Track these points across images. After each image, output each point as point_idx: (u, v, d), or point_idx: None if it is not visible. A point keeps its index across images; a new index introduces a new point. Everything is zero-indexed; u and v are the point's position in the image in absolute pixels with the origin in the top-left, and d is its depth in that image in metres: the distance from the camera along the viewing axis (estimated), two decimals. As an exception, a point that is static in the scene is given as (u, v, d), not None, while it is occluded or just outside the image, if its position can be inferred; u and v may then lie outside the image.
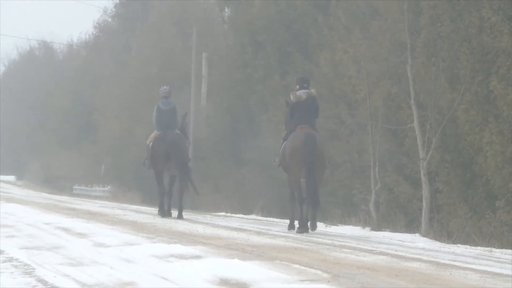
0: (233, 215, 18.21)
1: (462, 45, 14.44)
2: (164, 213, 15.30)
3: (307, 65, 20.22)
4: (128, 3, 43.03)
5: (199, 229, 11.71)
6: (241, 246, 8.86)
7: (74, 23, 66.79)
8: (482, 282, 6.57)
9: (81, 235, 10.39)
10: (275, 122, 19.95)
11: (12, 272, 6.78)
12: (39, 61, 63.45)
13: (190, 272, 6.61)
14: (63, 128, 45.05)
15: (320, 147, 11.54)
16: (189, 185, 15.18)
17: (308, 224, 11.60)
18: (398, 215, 15.22)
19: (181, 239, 9.74)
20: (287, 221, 12.82)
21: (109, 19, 46.04)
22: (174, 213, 15.15)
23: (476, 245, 11.96)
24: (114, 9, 44.84)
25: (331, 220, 15.83)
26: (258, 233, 11.26)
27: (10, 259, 7.67)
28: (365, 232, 13.91)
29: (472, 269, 7.40)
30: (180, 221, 13.88)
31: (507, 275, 7.04)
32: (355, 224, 15.04)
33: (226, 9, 28.90)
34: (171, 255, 7.74)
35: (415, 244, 10.82)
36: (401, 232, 13.96)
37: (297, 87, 12.10)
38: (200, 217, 16.10)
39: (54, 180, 42.86)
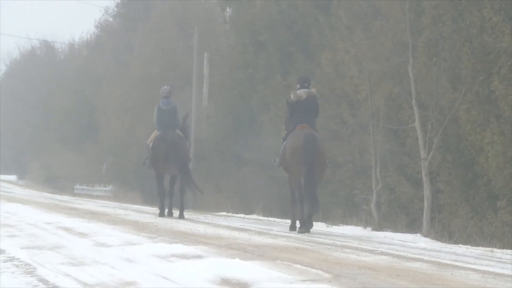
0: (234, 215, 18.21)
1: (464, 45, 14.44)
2: (164, 217, 15.27)
3: (308, 65, 20.22)
4: (129, 3, 43.05)
5: (201, 229, 11.71)
6: (242, 246, 8.86)
7: (75, 22, 66.92)
8: (483, 282, 6.57)
9: (83, 234, 10.40)
10: (276, 122, 19.94)
11: (13, 272, 6.79)
12: (41, 60, 63.48)
13: (191, 272, 6.62)
14: (65, 128, 45.05)
15: (320, 147, 11.53)
16: (192, 186, 15.17)
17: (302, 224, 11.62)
18: (400, 215, 15.21)
19: (182, 239, 9.74)
20: (289, 221, 12.81)
21: (111, 19, 46.11)
22: (176, 213, 15.15)
23: (478, 245, 11.95)
24: (115, 9, 44.92)
25: (332, 220, 15.83)
26: (260, 233, 11.26)
27: (12, 259, 7.68)
28: (367, 232, 13.91)
29: (473, 269, 7.40)
30: (181, 221, 13.88)
31: (508, 275, 7.04)
32: (356, 224, 15.03)
33: (228, 9, 28.94)
34: (173, 255, 7.74)
35: (417, 244, 10.82)
36: (402, 232, 13.96)
37: (298, 86, 12.10)
38: (201, 217, 16.10)
39: (56, 180, 42.86)
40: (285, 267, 6.97)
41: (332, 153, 16.42)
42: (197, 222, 13.65)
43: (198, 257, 7.64)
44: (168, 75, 31.11)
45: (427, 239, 12.90)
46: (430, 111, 14.91)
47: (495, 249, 10.78)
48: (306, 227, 11.52)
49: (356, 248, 9.19)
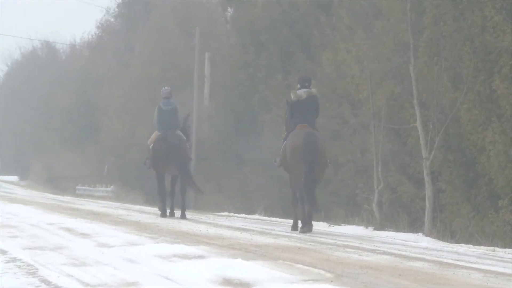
0: (236, 215, 18.22)
1: (465, 44, 14.45)
2: (166, 217, 15.28)
3: (309, 65, 20.23)
4: (130, 3, 43.08)
5: (202, 229, 11.71)
6: (244, 246, 8.86)
7: (76, 23, 66.88)
8: (485, 281, 6.56)
9: (84, 235, 10.40)
10: (277, 122, 19.94)
11: (15, 273, 6.79)
12: (42, 61, 63.51)
13: (193, 272, 6.62)
14: (66, 128, 45.08)
15: (321, 146, 11.51)
16: (193, 186, 15.19)
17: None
18: (401, 215, 15.21)
19: (184, 239, 9.74)
20: (290, 221, 12.81)
21: (112, 19, 46.17)
22: (177, 213, 15.16)
23: (479, 244, 11.96)
24: (116, 9, 44.95)
25: (334, 219, 15.83)
26: (261, 233, 11.25)
27: (14, 260, 7.68)
28: (368, 231, 13.90)
29: (475, 269, 7.40)
30: (183, 221, 13.89)
31: (510, 275, 7.04)
32: (358, 224, 15.03)
33: (229, 9, 28.95)
34: (174, 255, 7.74)
35: (418, 244, 10.81)
36: (404, 231, 13.95)
37: (298, 86, 12.08)
38: (203, 217, 16.10)
39: (57, 180, 42.86)
40: (287, 267, 6.97)
41: (334, 153, 16.43)
42: (198, 222, 13.65)
43: (200, 257, 7.64)
44: (169, 75, 31.13)
45: (429, 238, 12.89)
46: (432, 110, 14.92)
47: (497, 248, 10.77)
48: (307, 227, 11.52)
49: (358, 248, 9.19)
